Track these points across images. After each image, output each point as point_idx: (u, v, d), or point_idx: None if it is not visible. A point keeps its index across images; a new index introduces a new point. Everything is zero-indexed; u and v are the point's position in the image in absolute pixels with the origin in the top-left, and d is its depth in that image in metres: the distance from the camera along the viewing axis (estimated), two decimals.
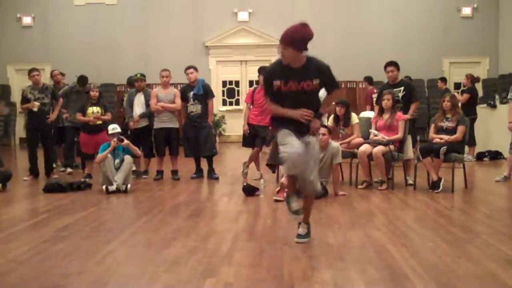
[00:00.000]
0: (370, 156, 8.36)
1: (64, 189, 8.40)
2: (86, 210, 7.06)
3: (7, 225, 6.11)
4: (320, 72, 4.89)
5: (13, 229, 5.81)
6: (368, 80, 14.38)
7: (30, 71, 9.93)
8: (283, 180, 7.55)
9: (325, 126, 7.95)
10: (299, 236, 5.30)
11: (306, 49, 4.80)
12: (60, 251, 5.06)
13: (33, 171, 9.93)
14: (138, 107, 9.96)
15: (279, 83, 4.91)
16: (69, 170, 10.67)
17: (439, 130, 8.40)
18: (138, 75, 10.11)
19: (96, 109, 9.75)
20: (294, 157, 4.84)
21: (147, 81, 10.34)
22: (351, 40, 18.33)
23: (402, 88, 8.83)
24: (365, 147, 8.42)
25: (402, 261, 4.57)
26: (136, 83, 10.10)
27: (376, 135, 8.51)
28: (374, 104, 11.38)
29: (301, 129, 4.97)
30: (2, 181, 8.64)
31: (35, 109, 9.66)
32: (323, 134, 7.62)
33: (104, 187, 8.33)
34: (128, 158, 8.56)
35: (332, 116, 9.15)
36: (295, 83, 4.87)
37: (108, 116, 9.79)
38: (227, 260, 4.66)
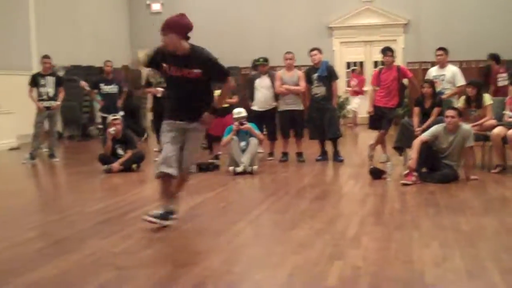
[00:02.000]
0: (504, 139, 7.94)
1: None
2: (214, 191, 7.25)
3: (141, 204, 6.39)
4: (203, 63, 5.10)
5: (146, 208, 6.06)
6: (494, 58, 13.13)
7: None
8: (411, 163, 7.37)
9: (454, 108, 7.65)
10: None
11: (188, 37, 5.09)
12: (191, 229, 5.25)
13: None
14: (263, 89, 10.03)
15: (166, 66, 5.16)
16: None
17: None
18: (261, 60, 10.16)
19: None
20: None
21: (271, 64, 10.37)
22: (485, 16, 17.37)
23: None
24: (498, 130, 7.99)
25: None
26: (260, 67, 10.19)
27: (510, 117, 8.06)
28: (498, 85, 10.81)
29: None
30: (136, 161, 9.08)
31: (159, 95, 9.93)
32: (452, 117, 7.34)
33: (231, 168, 8.51)
34: (253, 140, 8.67)
35: (463, 98, 8.76)
36: (177, 69, 5.11)
37: (234, 99, 9.97)
38: (354, 244, 4.62)
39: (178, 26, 5.04)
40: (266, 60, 10.18)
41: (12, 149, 12.85)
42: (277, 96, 9.98)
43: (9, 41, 13.87)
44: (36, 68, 13.06)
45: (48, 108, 10.61)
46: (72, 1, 16.65)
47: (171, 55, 5.11)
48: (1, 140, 12.78)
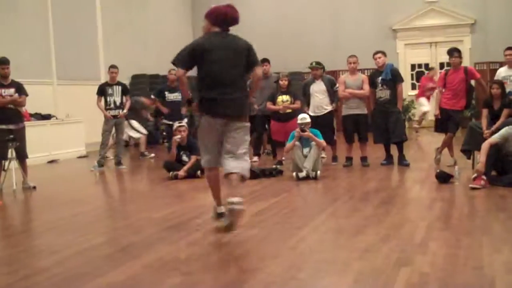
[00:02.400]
0: None
1: (257, 176, 8.69)
2: (278, 196, 7.24)
3: (206, 210, 6.42)
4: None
5: (211, 214, 6.10)
6: None
7: None
8: (479, 166, 7.16)
9: None
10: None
11: (223, 26, 5.28)
12: (256, 235, 5.25)
13: None
14: (318, 95, 9.93)
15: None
16: (254, 158, 10.85)
17: None
18: (314, 64, 10.03)
19: (285, 97, 9.93)
20: None
21: (334, 68, 10.27)
22: None
23: None
24: None
25: None
26: (312, 71, 10.09)
27: None
28: None
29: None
30: (201, 168, 9.15)
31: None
32: None
33: (294, 173, 8.49)
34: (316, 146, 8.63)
35: None
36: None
37: (297, 104, 9.93)
38: (421, 249, 4.52)
39: (211, 14, 5.29)
40: (319, 63, 10.03)
41: (80, 157, 13.23)
42: (335, 100, 9.87)
43: (77, 53, 14.33)
44: (104, 78, 13.42)
45: (115, 116, 10.86)
46: (137, 12, 17.05)
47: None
48: (70, 148, 13.20)
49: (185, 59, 5.17)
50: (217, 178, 5.43)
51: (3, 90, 8.55)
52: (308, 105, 10.00)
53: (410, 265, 4.13)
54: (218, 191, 5.49)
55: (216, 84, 5.15)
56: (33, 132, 10.63)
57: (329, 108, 9.92)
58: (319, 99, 9.87)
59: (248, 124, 5.35)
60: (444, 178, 7.63)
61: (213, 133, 5.20)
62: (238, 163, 5.13)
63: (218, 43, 5.20)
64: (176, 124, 9.40)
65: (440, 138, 9.51)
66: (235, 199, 4.88)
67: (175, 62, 5.20)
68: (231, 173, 5.09)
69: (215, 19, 5.27)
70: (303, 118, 8.76)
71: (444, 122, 9.20)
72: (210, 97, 5.14)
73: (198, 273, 4.20)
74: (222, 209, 5.39)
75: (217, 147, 5.25)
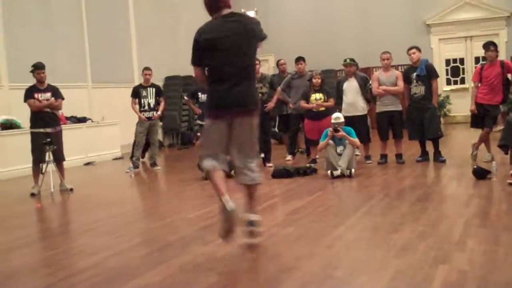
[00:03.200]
0: None
1: (291, 175, 8.68)
2: (313, 195, 7.22)
3: (240, 209, 6.44)
4: None
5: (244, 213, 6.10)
6: None
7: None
8: None
9: None
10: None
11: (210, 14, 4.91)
12: (291, 234, 5.24)
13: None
14: (351, 93, 9.84)
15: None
16: (289, 157, 10.87)
17: None
18: (348, 60, 9.96)
19: (318, 95, 9.91)
20: None
21: (367, 65, 10.21)
22: None
23: None
24: None
25: None
26: (346, 68, 10.02)
27: None
28: None
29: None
30: (234, 167, 9.16)
31: (266, 110, 9.90)
32: None
33: (329, 172, 8.45)
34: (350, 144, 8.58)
35: None
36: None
37: (330, 102, 9.90)
38: (459, 247, 4.45)
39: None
40: (352, 60, 9.96)
41: (116, 158, 13.39)
42: (369, 99, 9.81)
43: (111, 56, 14.53)
44: (137, 80, 13.56)
45: (149, 118, 10.95)
46: (169, 14, 17.18)
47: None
48: (106, 150, 13.36)
49: (195, 55, 4.82)
50: (222, 176, 4.83)
51: (39, 95, 8.70)
52: (341, 103, 9.94)
53: (448, 262, 4.07)
54: (224, 185, 4.75)
55: (222, 77, 4.72)
56: (69, 135, 10.78)
57: (362, 108, 9.83)
58: (353, 97, 9.81)
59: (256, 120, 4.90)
60: (481, 174, 7.51)
61: (218, 134, 4.77)
62: (252, 174, 4.87)
63: (218, 29, 4.77)
64: None
65: (477, 133, 9.36)
66: (256, 217, 4.79)
67: (191, 62, 4.86)
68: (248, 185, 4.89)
69: (208, 11, 4.93)
70: (337, 117, 8.70)
71: (481, 117, 9.06)
72: (217, 90, 4.75)
73: (234, 273, 4.22)
74: (232, 205, 4.62)
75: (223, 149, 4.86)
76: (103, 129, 13.49)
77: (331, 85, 14.40)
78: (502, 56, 14.16)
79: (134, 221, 6.57)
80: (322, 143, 8.71)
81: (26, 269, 4.67)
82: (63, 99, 8.93)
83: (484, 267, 3.94)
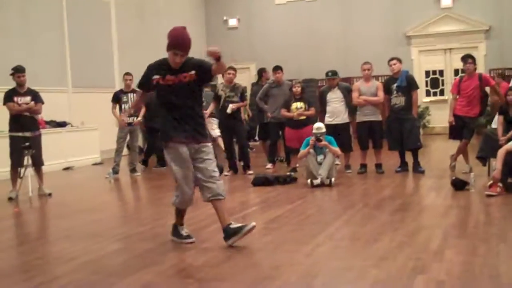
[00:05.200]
0: None
1: (271, 183, 8.69)
2: (292, 203, 7.23)
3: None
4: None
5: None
6: None
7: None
8: (495, 173, 7.11)
9: None
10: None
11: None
12: (270, 242, 5.24)
13: (231, 167, 10.28)
14: (335, 103, 9.89)
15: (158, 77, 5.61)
16: (269, 166, 10.85)
17: None
18: (329, 74, 9.98)
19: (299, 104, 9.93)
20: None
21: (348, 75, 10.27)
22: None
23: None
24: None
25: None
26: (328, 81, 10.08)
27: None
28: None
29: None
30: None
31: (229, 111, 9.93)
32: None
33: (308, 180, 8.47)
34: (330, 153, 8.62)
35: None
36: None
37: (311, 111, 9.93)
38: (437, 257, 4.49)
39: (190, 47, 5.43)
40: (334, 73, 10.03)
41: (95, 164, 13.30)
42: (352, 109, 9.88)
43: (92, 61, 14.45)
44: (118, 85, 13.50)
45: (129, 124, 10.90)
46: (151, 20, 17.12)
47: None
48: (86, 155, 13.27)
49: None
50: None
51: (19, 98, 8.63)
52: (325, 112, 10.00)
53: (426, 273, 4.10)
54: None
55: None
56: (48, 139, 10.67)
57: (346, 119, 9.92)
58: (336, 107, 9.87)
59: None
60: (459, 185, 7.58)
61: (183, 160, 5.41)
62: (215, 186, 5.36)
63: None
64: None
65: (455, 144, 9.45)
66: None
67: None
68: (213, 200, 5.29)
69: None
70: (319, 127, 8.73)
71: (459, 129, 9.15)
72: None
73: (213, 281, 4.20)
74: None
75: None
76: (83, 134, 13.39)
77: (313, 94, 14.45)
78: (481, 69, 14.33)
79: (113, 227, 6.53)
80: (302, 151, 8.73)
81: (2, 275, 4.61)
82: (43, 103, 8.86)
83: (462, 278, 3.97)
